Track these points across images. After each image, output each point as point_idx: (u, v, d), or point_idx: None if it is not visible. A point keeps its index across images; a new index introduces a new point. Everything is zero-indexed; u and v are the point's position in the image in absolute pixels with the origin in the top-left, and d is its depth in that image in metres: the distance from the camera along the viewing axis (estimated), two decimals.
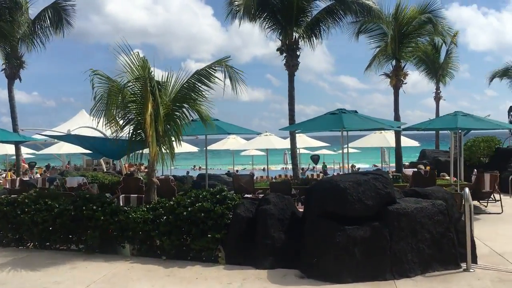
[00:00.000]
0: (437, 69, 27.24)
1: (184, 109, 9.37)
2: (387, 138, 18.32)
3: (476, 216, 12.39)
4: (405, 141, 20.01)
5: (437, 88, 28.65)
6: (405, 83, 17.86)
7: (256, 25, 17.29)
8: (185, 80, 9.27)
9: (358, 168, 39.47)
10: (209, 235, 6.99)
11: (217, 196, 7.20)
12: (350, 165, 43.38)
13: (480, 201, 13.82)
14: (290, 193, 13.92)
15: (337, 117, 10.29)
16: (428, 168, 23.66)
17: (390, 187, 6.39)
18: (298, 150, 24.68)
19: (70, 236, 8.28)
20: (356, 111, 10.88)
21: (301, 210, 7.44)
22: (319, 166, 43.50)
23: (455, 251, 6.37)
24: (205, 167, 15.14)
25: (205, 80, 9.22)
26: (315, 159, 19.01)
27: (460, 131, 15.02)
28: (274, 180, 17.17)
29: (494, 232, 10.27)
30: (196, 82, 9.27)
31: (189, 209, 7.23)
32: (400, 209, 6.19)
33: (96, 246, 7.91)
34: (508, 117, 36.36)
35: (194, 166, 59.29)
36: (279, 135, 21.74)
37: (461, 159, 16.66)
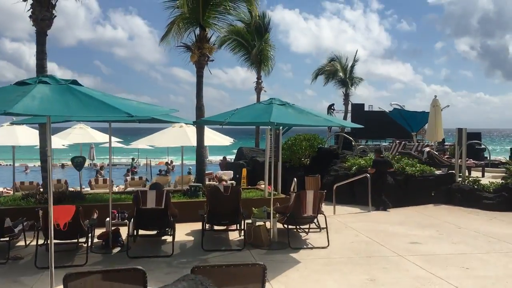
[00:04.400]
0: (255, 53, 23.74)
1: None
2: (188, 134, 13.58)
3: (294, 256, 8.31)
4: (216, 139, 15.58)
5: (258, 77, 25.30)
6: (212, 60, 13.22)
7: None
8: None
9: (173, 166, 34.34)
10: None
11: None
12: (166, 160, 38.13)
13: (300, 226, 9.92)
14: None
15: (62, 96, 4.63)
16: (244, 171, 19.85)
17: None
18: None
19: None
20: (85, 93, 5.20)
21: None
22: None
23: None
24: None
25: None
26: (79, 162, 13.48)
27: (277, 126, 11.07)
28: None
29: None
30: None
31: None
32: None
33: None
34: (328, 115, 35.68)
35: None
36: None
37: (279, 164, 12.79)
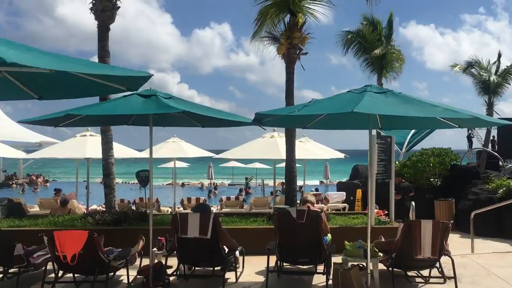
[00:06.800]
0: (378, 55, 20.83)
1: None
2: (279, 146, 11.19)
3: None
4: (314, 151, 12.96)
5: (379, 84, 22.14)
6: (305, 53, 10.67)
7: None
8: None
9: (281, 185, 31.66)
10: None
11: None
12: (278, 182, 35.95)
13: (418, 271, 6.83)
14: None
15: None
16: (359, 193, 16.90)
17: None
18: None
19: None
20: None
21: None
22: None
23: None
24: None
25: None
26: (145, 177, 11.91)
27: (381, 130, 8.22)
28: None
29: None
30: None
31: None
32: None
33: None
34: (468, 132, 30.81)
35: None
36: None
37: (391, 183, 9.81)
